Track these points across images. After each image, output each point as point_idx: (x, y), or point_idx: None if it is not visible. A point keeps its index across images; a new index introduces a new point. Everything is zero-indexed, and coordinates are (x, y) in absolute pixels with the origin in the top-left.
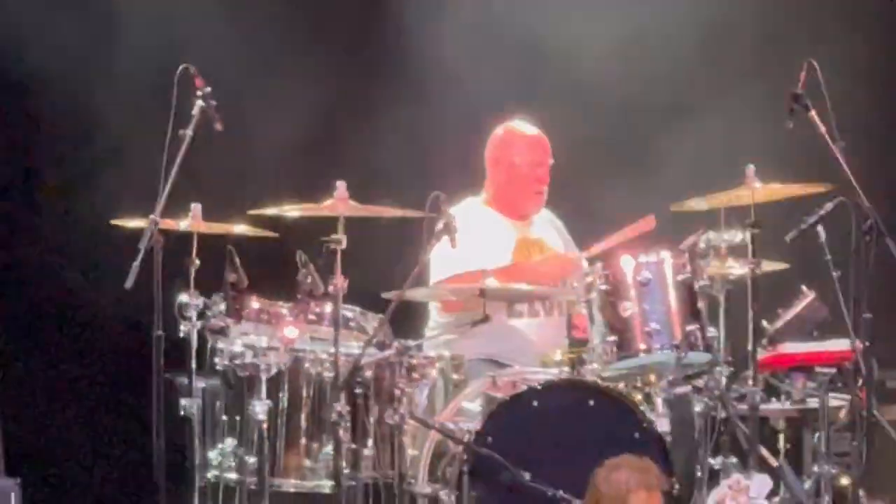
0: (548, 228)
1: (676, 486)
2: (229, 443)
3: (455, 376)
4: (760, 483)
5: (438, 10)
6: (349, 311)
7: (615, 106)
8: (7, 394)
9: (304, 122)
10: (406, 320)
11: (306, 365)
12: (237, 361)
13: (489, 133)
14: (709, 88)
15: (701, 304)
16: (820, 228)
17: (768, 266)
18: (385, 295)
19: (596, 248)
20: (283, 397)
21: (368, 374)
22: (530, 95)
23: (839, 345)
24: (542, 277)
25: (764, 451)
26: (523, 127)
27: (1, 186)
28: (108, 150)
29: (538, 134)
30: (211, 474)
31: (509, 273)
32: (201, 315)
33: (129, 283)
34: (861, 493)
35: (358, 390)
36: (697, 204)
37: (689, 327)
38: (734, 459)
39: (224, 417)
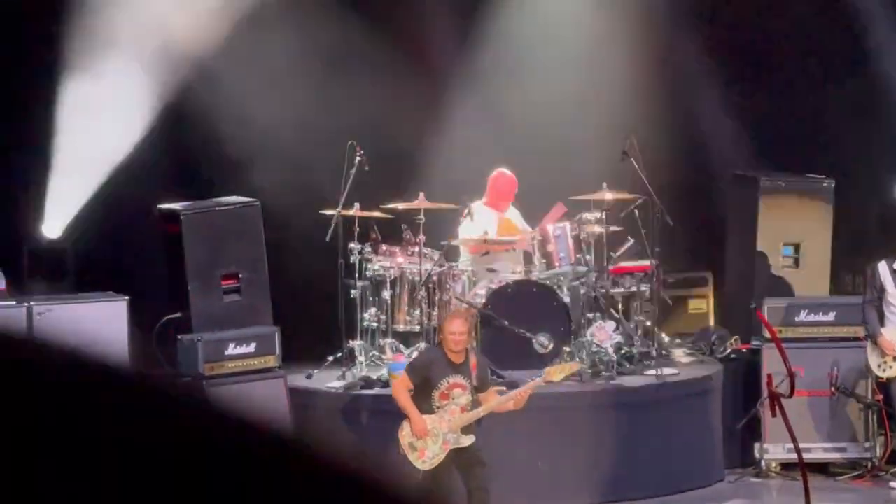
0: (513, 213)
1: (573, 326)
2: (373, 311)
3: (474, 279)
4: (609, 325)
5: None
6: (426, 250)
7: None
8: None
9: (402, 153)
10: (452, 255)
11: (406, 273)
12: (376, 273)
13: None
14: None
15: (584, 246)
16: (636, 212)
17: (614, 228)
18: (442, 243)
19: (539, 226)
20: (397, 288)
21: (434, 278)
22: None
23: (644, 263)
24: (508, 234)
25: (612, 311)
26: (504, 173)
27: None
28: (315, 185)
29: (511, 176)
30: (365, 323)
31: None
32: (360, 252)
33: (328, 238)
34: (656, 329)
35: (430, 285)
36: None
37: (578, 255)
38: (599, 314)
39: (370, 298)
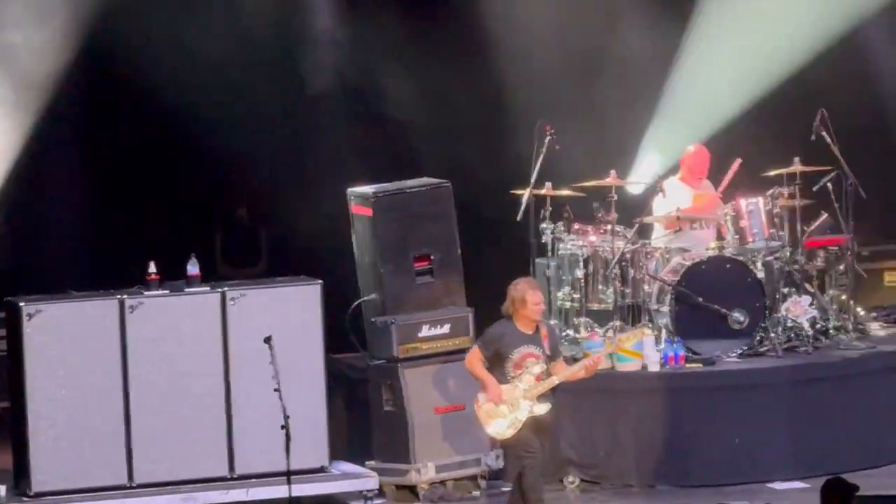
0: (707, 188)
1: (768, 301)
2: (566, 290)
3: (667, 256)
4: (805, 300)
5: None
6: (618, 228)
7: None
8: None
9: (591, 131)
10: (645, 232)
11: (599, 252)
12: (568, 251)
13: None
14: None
15: (777, 220)
16: (829, 186)
17: (807, 203)
18: (633, 220)
19: (721, 187)
20: (590, 266)
21: (628, 256)
22: None
23: (839, 236)
24: (703, 208)
25: (807, 286)
26: (694, 148)
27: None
28: (510, 163)
29: (705, 152)
30: (558, 303)
31: (691, 209)
32: (552, 231)
33: (518, 217)
34: (851, 303)
35: (623, 263)
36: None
37: (771, 230)
38: (793, 289)
39: (563, 277)
